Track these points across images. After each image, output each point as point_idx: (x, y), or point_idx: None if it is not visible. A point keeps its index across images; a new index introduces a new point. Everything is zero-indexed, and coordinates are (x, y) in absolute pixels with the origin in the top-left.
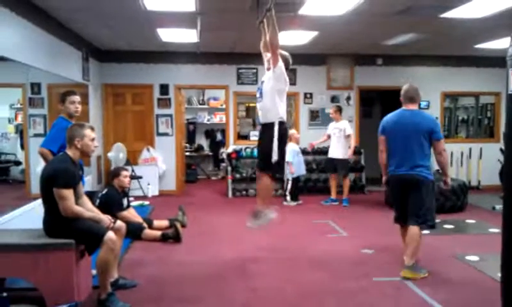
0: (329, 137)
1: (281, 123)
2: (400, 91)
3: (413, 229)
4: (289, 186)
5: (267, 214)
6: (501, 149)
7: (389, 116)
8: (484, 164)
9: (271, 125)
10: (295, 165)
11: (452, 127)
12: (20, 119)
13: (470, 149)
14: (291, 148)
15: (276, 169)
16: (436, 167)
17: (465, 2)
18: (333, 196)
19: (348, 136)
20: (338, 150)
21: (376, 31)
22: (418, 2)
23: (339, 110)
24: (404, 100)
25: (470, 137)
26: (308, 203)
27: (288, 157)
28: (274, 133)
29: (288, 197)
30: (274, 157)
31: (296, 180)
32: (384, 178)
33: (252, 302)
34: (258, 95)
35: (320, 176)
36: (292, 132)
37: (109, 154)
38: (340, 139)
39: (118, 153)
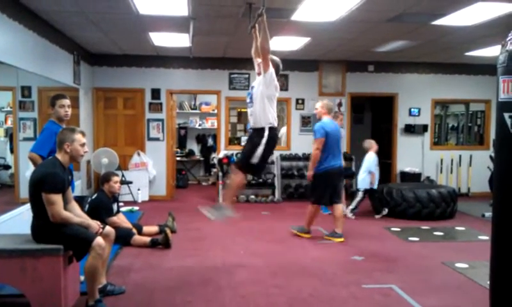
0: None
1: (271, 129)
2: (320, 105)
3: (340, 206)
4: (359, 198)
5: (226, 210)
6: (491, 157)
7: (325, 123)
8: (474, 171)
9: (261, 130)
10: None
11: (442, 134)
12: (9, 123)
13: (460, 157)
14: (373, 158)
15: (253, 171)
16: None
17: (456, 10)
18: None
19: None
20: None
21: (367, 37)
22: (409, 10)
23: None
24: (327, 111)
25: (460, 144)
26: (297, 209)
27: (370, 167)
28: (262, 139)
29: (348, 209)
30: (254, 160)
31: (371, 192)
32: (311, 173)
33: None
34: (248, 100)
35: None
36: (371, 141)
37: (91, 159)
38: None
39: (100, 159)
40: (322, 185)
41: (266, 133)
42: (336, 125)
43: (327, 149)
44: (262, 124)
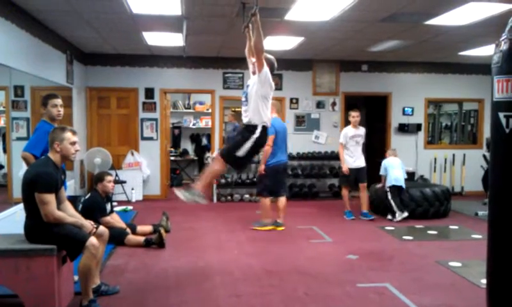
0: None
1: (264, 128)
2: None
3: (284, 198)
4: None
5: (198, 196)
6: (484, 156)
7: (274, 122)
8: (467, 170)
9: (254, 126)
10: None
11: (436, 133)
12: (2, 123)
13: (454, 156)
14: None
15: (236, 164)
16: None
17: (449, 10)
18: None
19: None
20: (362, 158)
21: (361, 37)
22: (402, 9)
23: None
24: (275, 110)
25: (454, 143)
26: (291, 208)
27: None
28: (253, 135)
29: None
30: (240, 153)
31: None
32: (263, 167)
33: None
34: (243, 99)
35: (306, 181)
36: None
37: (84, 159)
38: (360, 146)
39: (93, 158)
40: (268, 178)
41: (258, 130)
42: (283, 124)
43: (276, 145)
44: (256, 122)
